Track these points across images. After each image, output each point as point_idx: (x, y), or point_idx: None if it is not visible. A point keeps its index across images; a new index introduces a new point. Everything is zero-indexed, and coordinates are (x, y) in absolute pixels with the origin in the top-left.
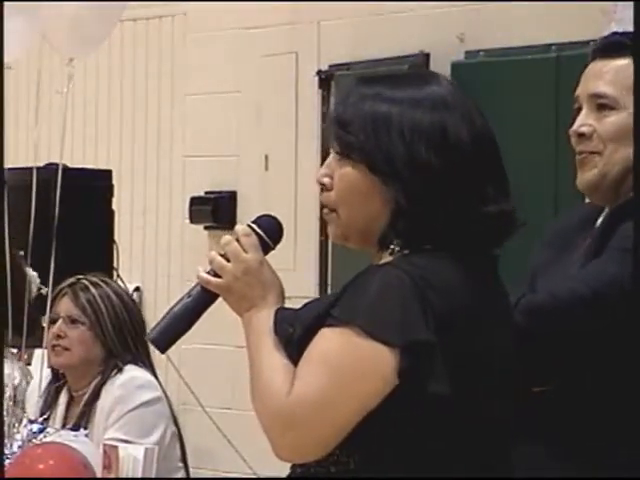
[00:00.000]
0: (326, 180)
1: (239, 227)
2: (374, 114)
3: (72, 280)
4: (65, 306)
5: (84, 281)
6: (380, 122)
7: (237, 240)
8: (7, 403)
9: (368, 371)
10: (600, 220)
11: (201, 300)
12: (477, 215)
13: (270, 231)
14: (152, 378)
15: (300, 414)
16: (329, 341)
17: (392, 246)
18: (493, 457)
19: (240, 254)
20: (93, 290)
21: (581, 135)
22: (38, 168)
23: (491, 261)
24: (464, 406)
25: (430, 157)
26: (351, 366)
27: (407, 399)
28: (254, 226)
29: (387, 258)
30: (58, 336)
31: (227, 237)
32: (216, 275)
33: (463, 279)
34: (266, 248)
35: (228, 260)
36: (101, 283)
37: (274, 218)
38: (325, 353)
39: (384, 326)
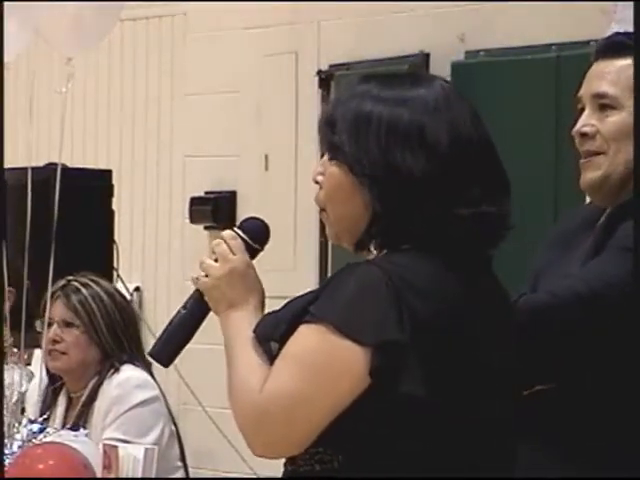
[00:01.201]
0: (319, 178)
1: (225, 232)
2: (357, 113)
3: (63, 282)
4: (58, 310)
5: (74, 283)
6: (360, 121)
7: (225, 242)
8: (7, 403)
9: (340, 369)
10: (602, 219)
11: (197, 310)
12: (454, 219)
13: (254, 233)
14: (149, 377)
15: (271, 411)
16: (303, 338)
17: (371, 248)
18: (480, 457)
19: (227, 255)
20: (84, 291)
21: (584, 135)
22: (38, 168)
23: (482, 261)
24: (447, 407)
25: (405, 159)
26: (323, 363)
27: (381, 399)
28: (238, 231)
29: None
30: (54, 341)
31: (218, 240)
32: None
33: (446, 279)
34: (253, 251)
35: (217, 262)
36: (91, 283)
37: (259, 220)
38: (298, 350)
39: (357, 324)
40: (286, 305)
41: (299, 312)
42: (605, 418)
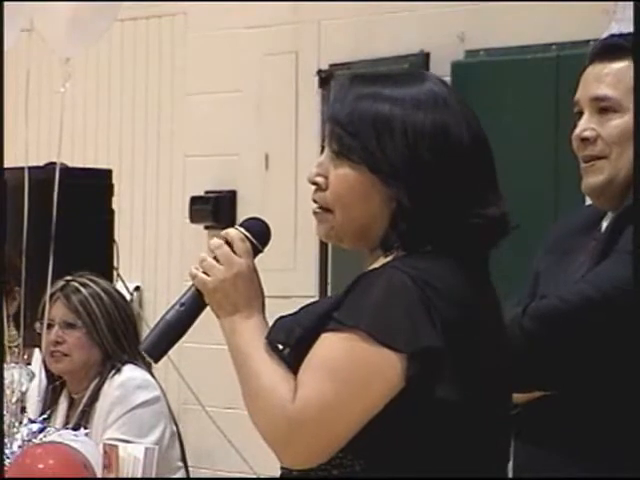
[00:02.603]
0: (319, 180)
1: (231, 231)
2: (375, 114)
3: (62, 283)
4: (59, 311)
5: (73, 283)
6: (381, 123)
7: (228, 244)
8: (7, 403)
9: (374, 376)
10: (606, 223)
11: (194, 307)
12: (477, 216)
13: (259, 234)
14: (150, 377)
15: (305, 421)
16: (333, 345)
17: (393, 249)
18: (496, 460)
19: (232, 257)
20: (84, 291)
21: (585, 140)
22: (38, 167)
23: (485, 262)
24: (472, 410)
25: (432, 157)
26: (357, 371)
27: (415, 404)
28: (246, 232)
29: (382, 259)
30: (56, 342)
31: (217, 240)
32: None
33: (464, 281)
34: (255, 252)
35: (219, 262)
36: (90, 283)
37: (261, 221)
38: (329, 358)
39: (391, 331)
40: (300, 310)
41: (318, 319)
42: (618, 422)
